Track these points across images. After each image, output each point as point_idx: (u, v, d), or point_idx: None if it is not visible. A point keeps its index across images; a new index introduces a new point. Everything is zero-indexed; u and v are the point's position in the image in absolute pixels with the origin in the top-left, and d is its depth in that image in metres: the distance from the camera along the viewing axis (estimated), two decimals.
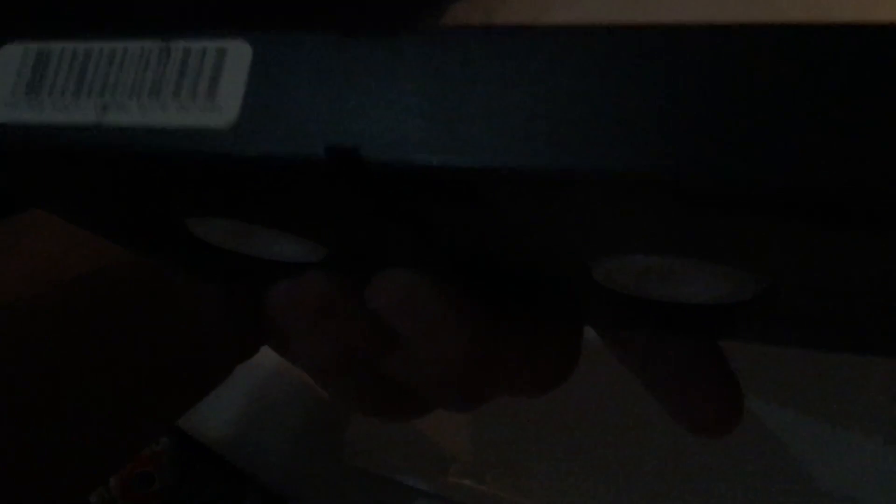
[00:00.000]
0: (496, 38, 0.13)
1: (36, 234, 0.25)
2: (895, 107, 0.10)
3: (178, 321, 0.26)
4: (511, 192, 0.13)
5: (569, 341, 0.23)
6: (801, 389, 0.43)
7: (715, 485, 0.41)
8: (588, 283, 0.17)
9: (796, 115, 0.11)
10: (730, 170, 0.11)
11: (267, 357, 0.30)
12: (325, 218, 0.17)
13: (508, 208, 0.14)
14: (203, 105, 0.14)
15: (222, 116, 0.14)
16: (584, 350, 0.23)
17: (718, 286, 0.16)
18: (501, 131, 0.12)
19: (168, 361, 0.27)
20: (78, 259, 0.25)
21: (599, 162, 0.12)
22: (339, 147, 0.13)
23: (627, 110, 0.12)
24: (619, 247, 0.15)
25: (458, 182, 0.13)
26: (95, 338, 0.25)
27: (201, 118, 0.14)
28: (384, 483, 0.42)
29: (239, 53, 0.14)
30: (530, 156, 0.12)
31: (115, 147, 0.14)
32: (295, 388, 0.44)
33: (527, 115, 0.12)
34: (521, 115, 0.12)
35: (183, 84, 0.14)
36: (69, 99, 0.15)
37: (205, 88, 0.14)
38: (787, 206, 0.11)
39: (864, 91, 0.11)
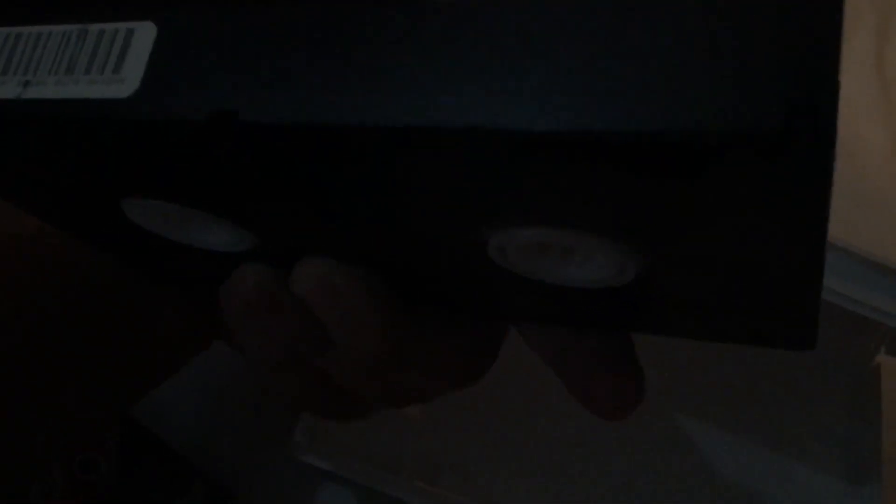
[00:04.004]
0: (359, 12, 0.14)
1: None
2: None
3: (132, 311, 0.26)
4: (369, 149, 0.14)
5: (483, 339, 0.24)
6: (754, 416, 0.43)
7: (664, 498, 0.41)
8: (485, 262, 0.18)
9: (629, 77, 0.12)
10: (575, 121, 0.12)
11: (218, 349, 0.30)
12: (236, 196, 0.18)
13: (383, 169, 0.15)
14: (109, 79, 0.15)
15: (125, 88, 0.15)
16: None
17: (601, 265, 0.17)
18: (365, 94, 0.14)
19: (118, 347, 0.27)
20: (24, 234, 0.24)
21: (465, 118, 0.13)
22: (220, 111, 0.14)
23: (458, 76, 0.13)
24: (505, 218, 0.16)
25: (328, 140, 0.14)
26: (46, 322, 0.25)
27: (107, 90, 0.15)
28: (332, 480, 0.41)
29: (145, 33, 0.16)
30: (384, 115, 0.13)
31: (31, 117, 0.16)
32: (245, 381, 0.43)
33: (383, 77, 0.13)
34: (381, 77, 0.14)
35: (94, 61, 0.16)
36: None
37: (112, 64, 0.16)
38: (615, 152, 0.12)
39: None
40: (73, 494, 0.40)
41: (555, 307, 0.21)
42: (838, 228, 0.34)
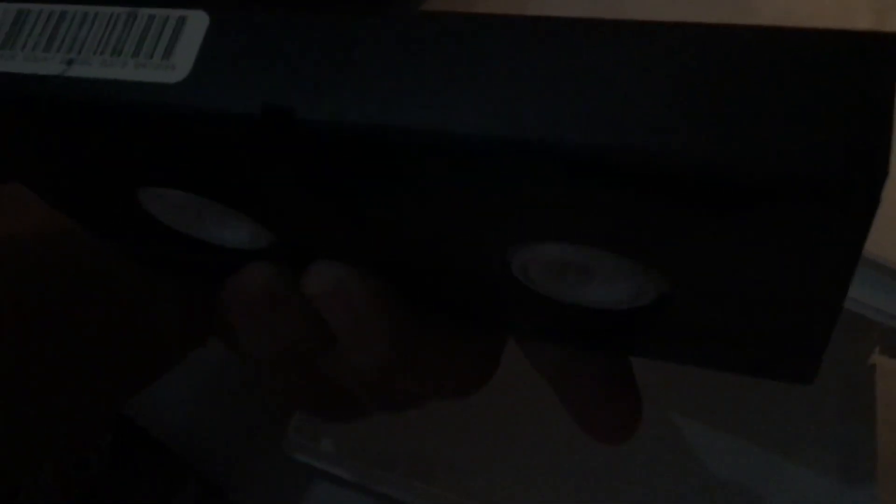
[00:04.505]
0: (419, 22, 0.14)
1: None
2: (756, 99, 0.12)
3: (128, 306, 0.26)
4: (426, 156, 0.14)
5: (487, 349, 0.24)
6: (749, 417, 0.43)
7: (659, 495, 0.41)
8: (506, 279, 0.18)
9: (669, 101, 0.12)
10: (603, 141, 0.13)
11: (213, 346, 0.30)
12: (266, 193, 0.18)
13: (427, 178, 0.15)
14: (158, 63, 0.15)
15: (174, 74, 0.15)
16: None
17: (622, 286, 0.17)
18: (423, 100, 0.14)
19: (115, 346, 0.26)
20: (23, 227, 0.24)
21: (506, 131, 0.13)
22: (275, 106, 0.14)
23: (515, 90, 0.13)
24: (532, 234, 0.16)
25: (380, 145, 0.14)
26: (41, 320, 0.25)
27: (155, 75, 0.15)
28: (326, 478, 0.41)
29: (197, 21, 0.16)
30: (440, 123, 0.14)
31: (74, 96, 0.16)
32: (239, 379, 0.43)
33: (445, 89, 0.14)
34: (441, 89, 0.14)
35: (143, 45, 0.16)
36: (39, 53, 0.16)
37: (162, 49, 0.16)
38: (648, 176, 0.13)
39: (730, 87, 0.12)
40: (64, 492, 0.40)
41: (566, 326, 0.21)
42: None
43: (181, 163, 0.17)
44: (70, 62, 0.16)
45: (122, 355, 0.27)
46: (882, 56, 0.12)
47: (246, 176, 0.17)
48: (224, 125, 0.15)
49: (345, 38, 0.15)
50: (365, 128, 0.14)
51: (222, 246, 0.21)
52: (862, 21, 0.42)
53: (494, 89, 0.14)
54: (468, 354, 0.23)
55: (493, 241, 0.17)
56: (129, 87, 0.15)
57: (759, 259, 0.14)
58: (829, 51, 0.12)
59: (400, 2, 0.38)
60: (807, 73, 0.12)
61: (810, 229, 0.13)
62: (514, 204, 0.15)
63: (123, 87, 0.15)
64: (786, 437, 0.42)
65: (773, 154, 0.12)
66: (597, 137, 0.13)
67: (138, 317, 0.26)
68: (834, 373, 0.43)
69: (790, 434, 0.42)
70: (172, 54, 0.15)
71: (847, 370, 0.43)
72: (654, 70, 0.13)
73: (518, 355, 0.24)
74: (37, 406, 0.26)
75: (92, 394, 0.27)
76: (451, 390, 0.24)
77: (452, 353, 0.23)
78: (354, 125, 0.14)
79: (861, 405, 0.42)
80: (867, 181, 0.11)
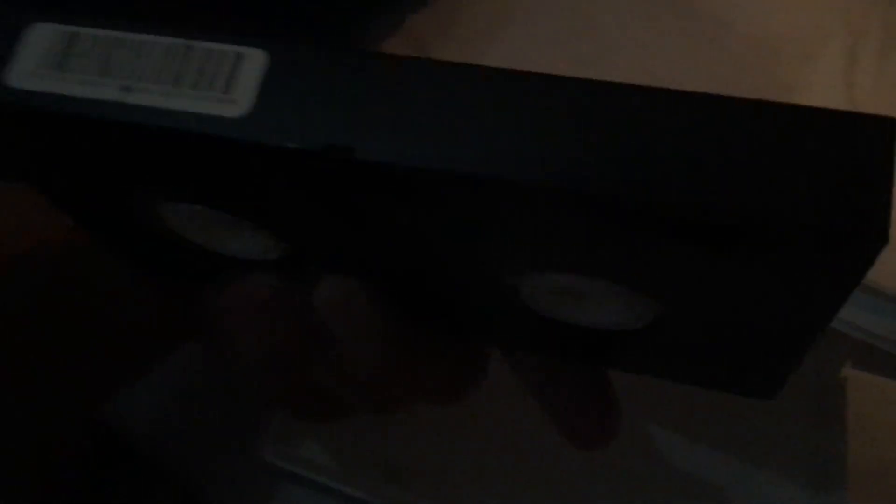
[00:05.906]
0: (459, 73, 0.16)
1: None
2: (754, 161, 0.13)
3: (103, 310, 0.26)
4: (450, 193, 0.16)
5: (475, 357, 0.25)
6: (720, 427, 0.43)
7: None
8: (513, 302, 0.19)
9: (679, 155, 0.14)
10: (621, 187, 0.14)
11: (190, 351, 0.30)
12: (293, 214, 0.19)
13: (455, 212, 0.16)
14: (220, 97, 0.16)
15: (236, 108, 0.16)
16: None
17: (618, 311, 0.18)
18: (456, 145, 0.15)
19: (92, 343, 0.26)
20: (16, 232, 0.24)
21: (530, 174, 0.14)
22: (337, 145, 0.15)
23: (549, 138, 0.15)
24: (542, 264, 0.17)
25: (429, 185, 0.15)
26: (18, 321, 0.25)
27: (217, 107, 0.16)
28: (303, 484, 0.41)
29: (255, 59, 0.16)
30: (467, 163, 0.15)
31: (137, 121, 0.16)
32: (216, 385, 0.43)
33: (476, 134, 0.15)
34: (472, 134, 0.15)
35: (202, 77, 0.16)
36: (94, 77, 0.17)
37: (223, 83, 0.16)
38: (663, 221, 0.14)
39: (734, 148, 0.13)
40: (39, 497, 0.40)
41: (555, 341, 0.22)
42: None
43: (218, 185, 0.18)
44: (128, 89, 0.16)
45: (98, 353, 0.27)
46: (882, 133, 0.13)
47: (278, 198, 0.18)
48: (285, 160, 0.16)
49: (394, 81, 0.16)
50: (415, 170, 0.15)
51: (224, 254, 0.21)
52: (835, 43, 0.43)
53: (521, 138, 0.15)
54: (455, 362, 0.24)
55: (503, 270, 0.18)
56: (190, 117, 0.16)
57: (752, 298, 0.16)
58: (834, 125, 0.13)
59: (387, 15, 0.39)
60: (813, 143, 0.13)
61: (809, 277, 0.14)
62: (529, 239, 0.16)
63: (185, 116, 0.16)
64: (757, 448, 0.43)
65: (781, 203, 0.13)
66: (621, 184, 0.14)
67: (114, 314, 0.27)
68: (805, 385, 0.44)
69: (762, 446, 0.43)
70: (232, 89, 0.16)
71: (818, 383, 0.44)
72: (670, 131, 0.14)
73: (495, 364, 0.24)
74: (14, 407, 0.26)
75: (67, 393, 0.27)
76: (437, 396, 0.25)
77: (440, 361, 0.24)
78: (408, 167, 0.15)
79: (832, 418, 0.42)
80: (866, 239, 0.12)
